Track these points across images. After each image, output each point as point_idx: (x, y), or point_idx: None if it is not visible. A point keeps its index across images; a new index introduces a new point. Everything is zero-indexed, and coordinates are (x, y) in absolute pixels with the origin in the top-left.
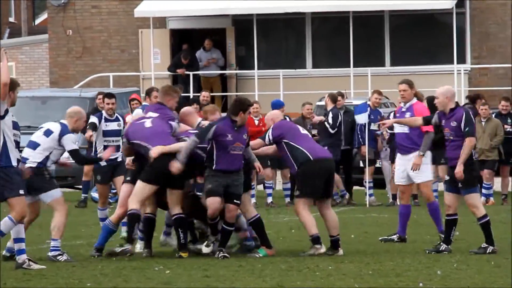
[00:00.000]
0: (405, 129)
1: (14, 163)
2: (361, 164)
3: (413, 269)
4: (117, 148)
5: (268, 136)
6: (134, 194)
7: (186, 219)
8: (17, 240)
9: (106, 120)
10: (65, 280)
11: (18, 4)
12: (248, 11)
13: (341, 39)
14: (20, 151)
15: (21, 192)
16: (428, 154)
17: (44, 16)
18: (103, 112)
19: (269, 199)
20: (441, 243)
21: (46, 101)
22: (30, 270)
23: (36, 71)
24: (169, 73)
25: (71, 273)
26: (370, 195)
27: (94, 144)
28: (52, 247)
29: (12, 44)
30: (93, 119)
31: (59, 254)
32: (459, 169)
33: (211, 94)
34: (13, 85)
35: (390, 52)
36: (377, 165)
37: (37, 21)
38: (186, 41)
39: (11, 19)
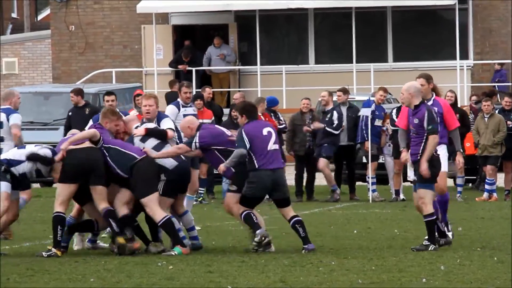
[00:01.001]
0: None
1: None
2: (364, 160)
3: (416, 264)
4: None
5: (195, 143)
6: (57, 197)
7: (114, 210)
8: None
9: (184, 106)
10: (68, 276)
11: (20, 0)
12: (251, 7)
13: (343, 35)
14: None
15: None
16: (444, 146)
17: (46, 12)
18: (179, 100)
19: None
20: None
21: (48, 97)
22: (32, 265)
23: (39, 67)
24: (171, 69)
25: (74, 269)
26: (373, 190)
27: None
28: None
29: (14, 39)
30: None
31: None
32: (423, 167)
33: (221, 90)
34: None
35: (393, 48)
36: (380, 160)
37: (40, 17)
38: (188, 36)
39: (14, 15)
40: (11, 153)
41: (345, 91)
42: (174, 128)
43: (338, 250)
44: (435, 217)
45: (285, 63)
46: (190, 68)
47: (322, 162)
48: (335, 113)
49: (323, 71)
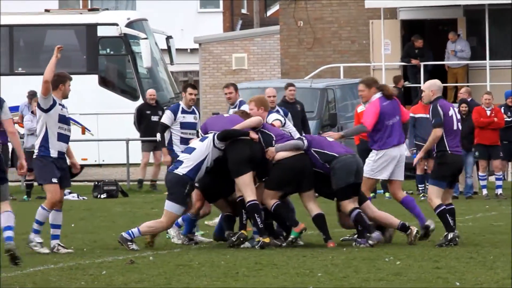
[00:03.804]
0: None
1: (53, 155)
2: None
3: None
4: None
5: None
6: (244, 187)
7: (258, 204)
8: (54, 226)
9: (183, 111)
10: (296, 270)
11: None
12: (480, 1)
13: None
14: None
15: (54, 180)
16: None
17: (275, 8)
18: (181, 103)
19: (499, 191)
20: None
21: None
22: (260, 259)
23: (268, 62)
24: (399, 64)
25: (302, 263)
26: None
27: (170, 136)
28: (128, 232)
29: (244, 35)
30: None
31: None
32: (416, 159)
33: (455, 84)
34: (63, 79)
35: None
36: None
37: (269, 13)
38: (417, 31)
39: (244, 11)
40: (191, 160)
41: None
42: (281, 120)
43: None
44: (443, 207)
45: None
46: (419, 63)
47: None
48: None
49: None
